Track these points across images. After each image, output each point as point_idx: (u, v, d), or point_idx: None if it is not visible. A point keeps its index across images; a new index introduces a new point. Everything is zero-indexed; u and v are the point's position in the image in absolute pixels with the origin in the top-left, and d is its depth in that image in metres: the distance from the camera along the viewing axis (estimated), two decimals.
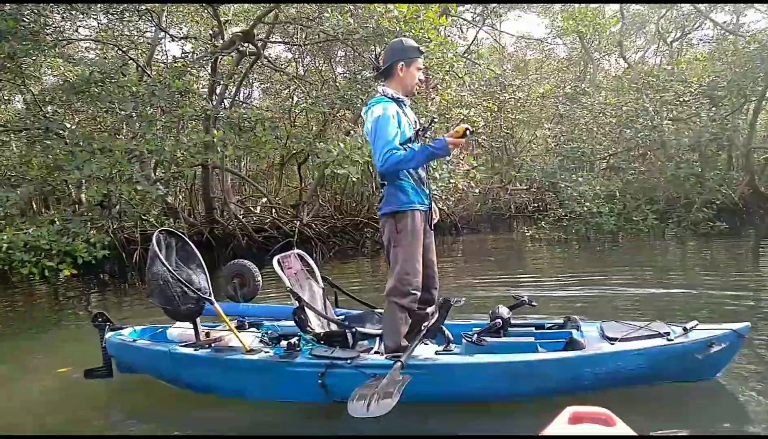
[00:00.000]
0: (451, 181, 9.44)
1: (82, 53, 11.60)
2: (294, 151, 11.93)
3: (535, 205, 15.09)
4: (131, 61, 10.60)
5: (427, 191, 3.61)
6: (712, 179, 12.54)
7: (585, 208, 11.38)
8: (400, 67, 3.51)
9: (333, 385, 3.30)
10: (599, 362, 3.19)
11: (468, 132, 3.27)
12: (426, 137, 3.53)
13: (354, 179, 9.31)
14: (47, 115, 9.48)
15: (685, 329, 3.32)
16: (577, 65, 21.40)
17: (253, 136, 8.83)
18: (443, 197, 9.23)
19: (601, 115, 13.66)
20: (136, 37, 11.40)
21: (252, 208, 14.61)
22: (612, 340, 3.34)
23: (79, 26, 10.44)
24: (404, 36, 9.49)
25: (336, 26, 8.84)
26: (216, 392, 3.68)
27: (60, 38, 9.23)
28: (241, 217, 12.98)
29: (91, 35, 11.21)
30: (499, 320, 3.55)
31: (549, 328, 3.70)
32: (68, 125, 8.87)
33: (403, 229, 3.42)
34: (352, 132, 10.33)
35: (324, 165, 9.19)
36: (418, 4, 9.01)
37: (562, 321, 3.70)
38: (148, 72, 10.90)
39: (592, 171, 14.14)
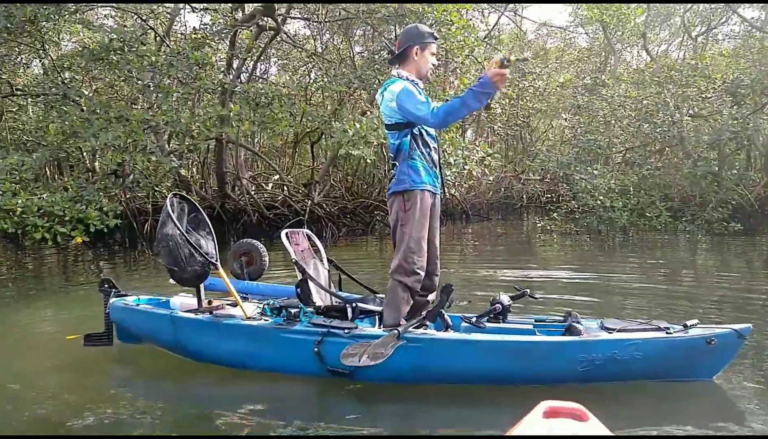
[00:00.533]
0: (466, 167, 9.37)
1: (102, 20, 11.55)
2: (308, 130, 11.89)
3: (548, 196, 14.97)
4: (151, 30, 10.52)
5: (440, 175, 3.62)
6: (729, 178, 12.37)
7: (598, 202, 11.28)
8: (415, 52, 3.53)
9: (328, 354, 3.30)
10: (595, 347, 3.16)
11: (505, 62, 3.12)
12: None
13: (368, 161, 9.25)
14: (65, 82, 9.47)
15: (685, 326, 3.26)
16: (598, 56, 21.09)
17: (269, 112, 8.79)
18: (456, 183, 9.15)
19: (620, 108, 13.48)
20: (156, 7, 11.31)
21: (264, 185, 14.62)
22: (610, 330, 3.32)
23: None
24: (426, 18, 9.45)
25: (358, 4, 8.74)
26: (214, 359, 3.70)
27: (81, 4, 9.18)
28: (252, 193, 12.99)
29: (111, 2, 11.14)
30: (498, 305, 3.57)
31: (550, 322, 3.67)
32: (85, 92, 8.85)
33: (412, 207, 3.42)
34: (368, 113, 10.25)
35: (339, 145, 9.16)
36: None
37: (563, 317, 3.64)
38: (167, 42, 10.84)
39: (607, 165, 13.99)
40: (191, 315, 3.76)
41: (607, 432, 1.51)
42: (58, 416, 3.11)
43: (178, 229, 3.68)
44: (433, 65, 3.63)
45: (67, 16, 8.35)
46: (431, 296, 3.70)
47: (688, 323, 3.28)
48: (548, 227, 12.74)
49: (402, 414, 3.20)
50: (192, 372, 3.74)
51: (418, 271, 3.44)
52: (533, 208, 19.14)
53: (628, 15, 16.08)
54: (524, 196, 19.42)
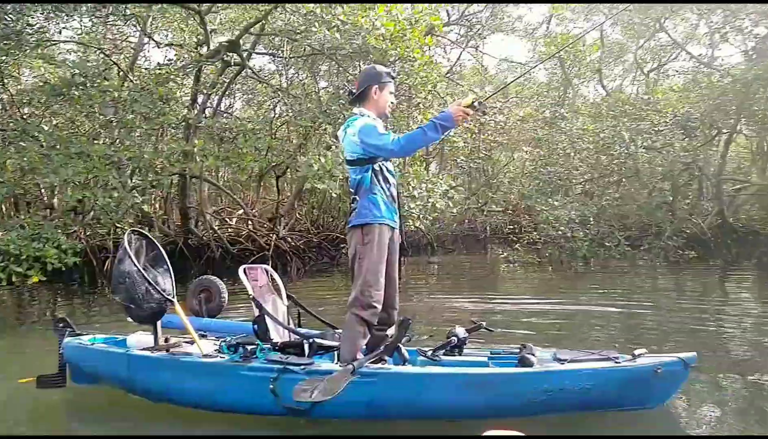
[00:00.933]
0: (430, 200, 9.50)
1: (64, 55, 11.44)
2: (273, 164, 11.92)
3: (511, 227, 15.25)
4: (114, 65, 10.47)
5: (398, 210, 3.69)
6: (682, 208, 12.83)
7: (560, 232, 11.54)
8: (374, 91, 3.66)
9: (284, 391, 3.23)
10: (547, 378, 3.23)
11: (477, 103, 3.30)
12: None
13: (334, 195, 9.30)
14: (24, 117, 9.31)
15: (633, 356, 3.34)
16: (556, 90, 21.76)
17: (233, 147, 8.79)
18: (421, 216, 9.25)
19: (579, 140, 13.90)
20: (119, 42, 11.28)
21: (227, 220, 14.50)
22: (562, 361, 3.38)
23: (63, 27, 10.30)
24: (389, 55, 9.64)
25: (323, 40, 8.88)
26: (170, 399, 3.65)
27: (43, 39, 9.09)
28: (216, 228, 12.87)
29: (74, 37, 11.06)
30: (454, 338, 3.62)
31: (505, 354, 3.73)
32: (45, 128, 8.69)
33: (370, 242, 3.48)
34: (333, 147, 10.34)
35: (304, 179, 9.17)
36: (405, 23, 9.09)
37: (518, 349, 3.67)
38: (131, 77, 10.79)
39: (567, 196, 14.35)
40: (147, 353, 3.72)
41: None
42: None
43: (135, 266, 3.68)
44: (392, 103, 3.76)
45: (28, 51, 8.24)
46: (390, 330, 3.70)
47: (636, 352, 3.35)
48: (511, 258, 12.95)
49: None
50: (148, 413, 3.67)
51: (375, 304, 3.47)
52: (496, 239, 19.41)
53: (583, 53, 16.70)
54: (487, 228, 19.68)
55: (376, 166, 3.56)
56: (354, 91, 3.81)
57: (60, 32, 10.48)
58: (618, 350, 3.60)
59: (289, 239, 13.24)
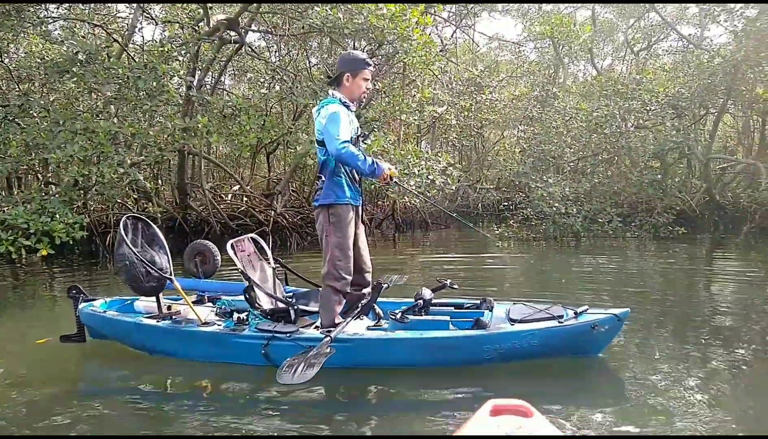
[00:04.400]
0: (429, 177, 9.69)
1: (58, 31, 11.35)
2: (273, 140, 12.02)
3: (505, 204, 15.50)
4: (116, 42, 10.44)
5: (360, 189, 4.06)
6: (672, 186, 13.15)
7: (554, 209, 11.81)
8: (346, 78, 3.93)
9: (274, 354, 3.77)
10: (498, 339, 3.73)
11: (395, 180, 3.95)
12: (365, 143, 4.13)
13: None
14: (26, 93, 9.31)
15: (576, 313, 3.84)
16: (547, 69, 21.93)
17: (237, 124, 8.89)
18: (425, 192, 9.49)
19: (572, 119, 14.12)
20: (117, 18, 11.24)
21: (223, 196, 14.58)
22: (513, 321, 3.86)
23: (59, 5, 10.23)
24: (389, 33, 9.75)
25: (325, 18, 8.96)
26: (176, 357, 4.15)
27: (46, 16, 9.06)
28: (216, 204, 12.98)
29: (67, 14, 10.96)
30: (420, 301, 4.07)
31: (467, 307, 4.27)
32: (47, 104, 8.72)
33: (336, 221, 3.86)
34: None
35: (300, 156, 9.31)
36: (405, 6, 9.21)
37: (479, 302, 4.23)
38: (130, 54, 10.79)
39: (558, 174, 14.61)
40: (153, 322, 4.14)
41: (550, 426, 1.60)
42: (43, 407, 3.43)
43: (132, 251, 4.11)
44: (367, 89, 4.00)
45: (30, 28, 8.23)
46: (366, 290, 4.20)
47: (578, 310, 3.87)
48: (506, 234, 13.19)
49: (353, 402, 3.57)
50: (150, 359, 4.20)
51: (345, 276, 3.90)
52: (489, 216, 19.68)
53: (576, 33, 16.85)
54: (480, 205, 19.93)
55: None
56: (331, 74, 4.11)
57: (58, 7, 10.39)
58: (564, 306, 4.06)
59: (286, 215, 13.38)
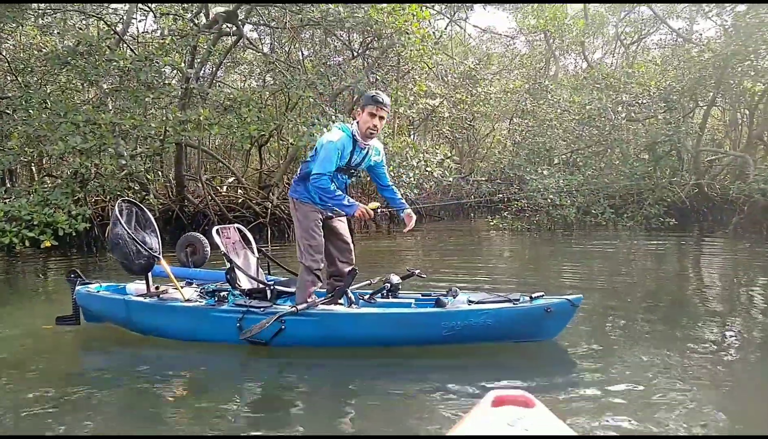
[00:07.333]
0: (427, 169, 9.84)
1: (58, 24, 11.29)
2: (272, 130, 12.09)
3: (500, 196, 15.69)
4: (115, 34, 10.45)
5: (333, 209, 4.25)
6: (663, 178, 13.39)
7: (548, 201, 12.01)
8: (357, 112, 4.20)
9: (247, 327, 4.01)
10: (455, 317, 3.91)
11: (378, 211, 4.17)
12: (356, 174, 4.36)
13: None
14: (26, 85, 9.33)
15: (531, 298, 3.98)
16: (539, 62, 22.09)
17: (237, 115, 8.97)
18: (424, 184, 9.65)
19: (564, 112, 14.31)
20: (113, 11, 11.23)
21: (218, 188, 14.63)
22: (471, 303, 4.05)
23: None
24: (387, 26, 9.85)
25: (325, 12, 9.05)
26: (160, 334, 4.45)
27: (49, 8, 9.07)
28: (213, 195, 13.04)
29: (63, 6, 10.91)
30: (387, 284, 4.34)
31: (431, 297, 4.43)
32: (47, 95, 8.74)
33: (301, 215, 4.20)
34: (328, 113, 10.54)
35: (297, 148, 9.37)
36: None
37: (446, 292, 4.36)
38: (129, 46, 10.81)
39: (550, 166, 14.81)
40: (141, 298, 4.48)
41: (552, 417, 1.57)
42: (44, 386, 3.63)
43: (126, 230, 4.38)
44: (374, 126, 4.05)
45: (32, 20, 8.25)
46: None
47: (534, 295, 4.01)
48: (500, 226, 13.39)
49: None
50: (142, 345, 4.48)
51: (314, 253, 4.16)
52: (481, 208, 19.88)
53: (568, 27, 17.00)
54: (472, 197, 20.10)
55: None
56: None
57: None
58: (522, 293, 4.19)
59: (283, 207, 13.46)
